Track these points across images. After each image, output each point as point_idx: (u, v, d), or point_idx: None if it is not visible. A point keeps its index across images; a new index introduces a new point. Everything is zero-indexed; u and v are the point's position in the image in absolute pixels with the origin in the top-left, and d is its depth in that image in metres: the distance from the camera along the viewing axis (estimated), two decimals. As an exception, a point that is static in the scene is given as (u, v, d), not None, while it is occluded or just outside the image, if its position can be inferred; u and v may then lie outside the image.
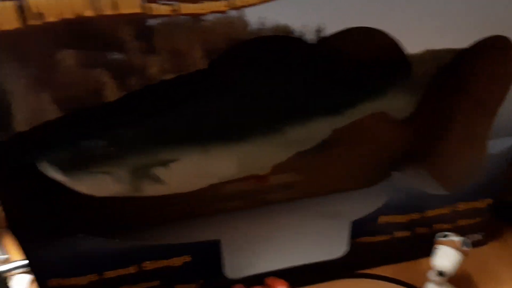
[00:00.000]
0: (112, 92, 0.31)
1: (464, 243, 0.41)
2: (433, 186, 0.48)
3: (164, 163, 0.37)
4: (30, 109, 0.30)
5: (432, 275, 0.42)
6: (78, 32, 0.28)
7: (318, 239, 0.46)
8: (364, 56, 0.37)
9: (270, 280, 0.38)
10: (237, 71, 0.37)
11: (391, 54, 0.33)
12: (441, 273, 0.41)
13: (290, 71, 0.39)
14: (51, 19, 0.27)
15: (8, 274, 0.43)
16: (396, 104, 0.44)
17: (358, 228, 0.42)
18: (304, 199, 0.51)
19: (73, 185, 0.35)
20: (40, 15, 0.27)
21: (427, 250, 0.44)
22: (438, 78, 0.38)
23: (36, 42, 0.28)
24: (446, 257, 0.41)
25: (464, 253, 0.41)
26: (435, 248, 0.41)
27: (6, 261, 0.46)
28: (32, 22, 0.27)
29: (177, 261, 0.40)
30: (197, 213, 0.48)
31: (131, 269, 0.40)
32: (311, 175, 0.49)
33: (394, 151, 0.50)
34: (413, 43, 0.33)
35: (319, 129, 0.42)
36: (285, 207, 0.51)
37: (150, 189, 0.38)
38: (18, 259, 0.49)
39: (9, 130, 0.31)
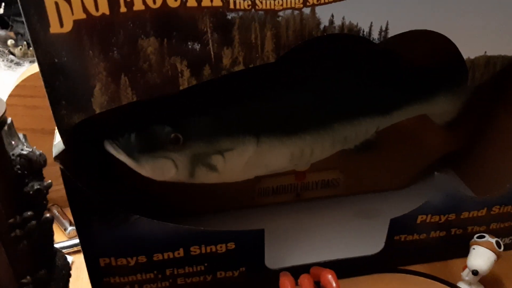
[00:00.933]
0: (184, 81, 0.32)
1: (499, 245, 0.42)
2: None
3: (221, 152, 0.38)
4: (107, 92, 0.32)
5: (465, 274, 0.43)
6: (162, 21, 0.30)
7: (356, 235, 0.48)
8: (423, 59, 0.38)
9: (316, 269, 0.39)
10: (301, 67, 0.39)
11: (450, 59, 0.35)
12: (475, 273, 0.42)
13: (350, 69, 0.41)
14: (138, 8, 0.29)
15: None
16: (441, 108, 0.46)
17: (397, 226, 0.43)
18: (344, 196, 0.53)
19: (136, 168, 0.37)
20: (130, 3, 0.29)
21: (459, 251, 0.45)
22: (484, 85, 0.39)
23: (122, 28, 0.30)
24: (481, 257, 0.42)
25: (498, 255, 0.42)
26: (472, 248, 0.43)
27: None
28: (122, 10, 0.29)
29: (222, 248, 0.42)
30: (243, 204, 0.50)
31: (179, 253, 0.41)
32: (350, 173, 0.51)
33: (432, 154, 0.51)
34: (469, 48, 0.35)
35: (365, 128, 0.43)
36: (326, 203, 0.52)
37: (203, 177, 0.39)
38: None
39: (85, 112, 0.32)
